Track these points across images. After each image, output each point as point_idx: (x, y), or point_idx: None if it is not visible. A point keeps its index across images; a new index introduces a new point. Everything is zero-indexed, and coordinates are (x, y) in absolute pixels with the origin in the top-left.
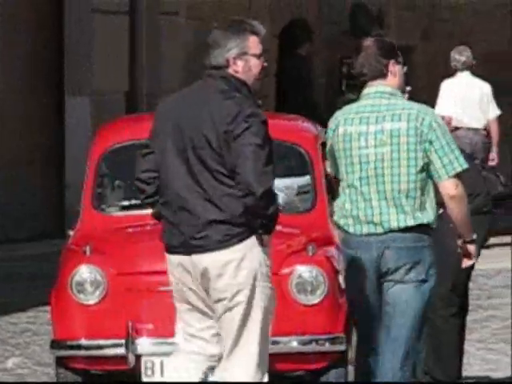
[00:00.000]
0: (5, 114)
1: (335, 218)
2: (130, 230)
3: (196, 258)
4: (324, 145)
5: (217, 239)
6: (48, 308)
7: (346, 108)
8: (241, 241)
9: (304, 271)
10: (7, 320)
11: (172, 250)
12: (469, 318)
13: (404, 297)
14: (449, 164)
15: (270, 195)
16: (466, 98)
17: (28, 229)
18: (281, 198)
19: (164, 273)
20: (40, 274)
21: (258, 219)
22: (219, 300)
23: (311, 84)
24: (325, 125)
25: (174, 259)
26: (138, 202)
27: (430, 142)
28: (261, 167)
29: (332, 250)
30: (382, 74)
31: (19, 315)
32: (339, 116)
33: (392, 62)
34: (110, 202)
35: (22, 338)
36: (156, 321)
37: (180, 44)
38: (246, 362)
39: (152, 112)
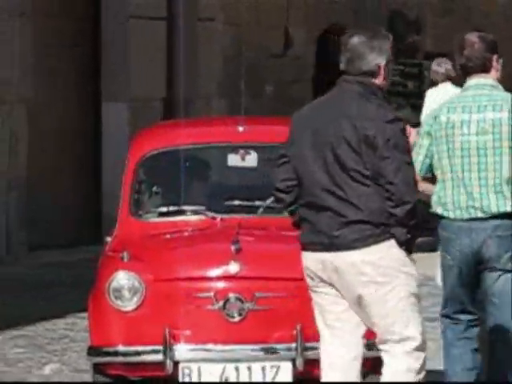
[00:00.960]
0: (42, 121)
1: (432, 209)
2: (168, 236)
3: (332, 255)
4: None
5: (353, 238)
6: (86, 315)
7: (448, 99)
8: (378, 242)
9: None
10: (45, 326)
11: (310, 247)
12: None
13: (508, 287)
14: None
15: (416, 206)
16: None
17: (66, 235)
18: None
19: (201, 279)
20: (77, 281)
21: (401, 228)
22: (351, 297)
23: None
24: None
25: (311, 256)
26: (175, 208)
27: None
28: (411, 177)
29: None
30: (486, 68)
31: (57, 322)
32: (440, 106)
33: (495, 57)
34: (148, 208)
35: (60, 345)
36: (193, 327)
37: (217, 49)
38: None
39: (189, 118)
